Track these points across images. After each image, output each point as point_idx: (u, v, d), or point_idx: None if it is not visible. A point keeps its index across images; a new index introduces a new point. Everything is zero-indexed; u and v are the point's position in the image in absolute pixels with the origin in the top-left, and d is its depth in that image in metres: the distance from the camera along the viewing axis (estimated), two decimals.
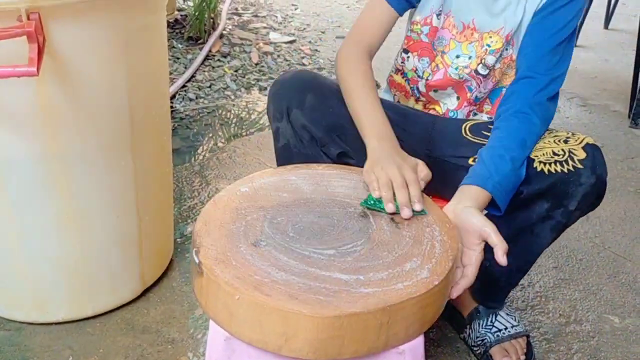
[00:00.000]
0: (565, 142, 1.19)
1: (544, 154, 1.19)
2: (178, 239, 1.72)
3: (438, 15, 1.33)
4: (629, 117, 2.69)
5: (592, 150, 1.17)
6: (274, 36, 3.36)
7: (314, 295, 0.89)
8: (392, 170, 1.09)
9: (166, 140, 1.51)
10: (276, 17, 3.70)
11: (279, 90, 1.28)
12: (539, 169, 1.19)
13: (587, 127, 2.60)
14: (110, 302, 1.46)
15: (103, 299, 1.44)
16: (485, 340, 1.38)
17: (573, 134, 1.22)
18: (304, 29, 3.58)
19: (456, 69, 1.35)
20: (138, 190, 1.39)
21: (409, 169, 1.11)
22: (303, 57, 3.15)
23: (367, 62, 1.28)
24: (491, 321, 1.40)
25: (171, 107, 2.43)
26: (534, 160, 1.20)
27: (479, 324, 1.40)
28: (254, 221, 1.05)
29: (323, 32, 3.56)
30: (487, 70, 1.34)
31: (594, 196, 1.19)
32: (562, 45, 1.27)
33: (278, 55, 3.13)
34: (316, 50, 3.28)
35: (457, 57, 1.35)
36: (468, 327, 1.43)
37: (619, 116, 2.75)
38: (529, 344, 1.41)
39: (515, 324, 1.40)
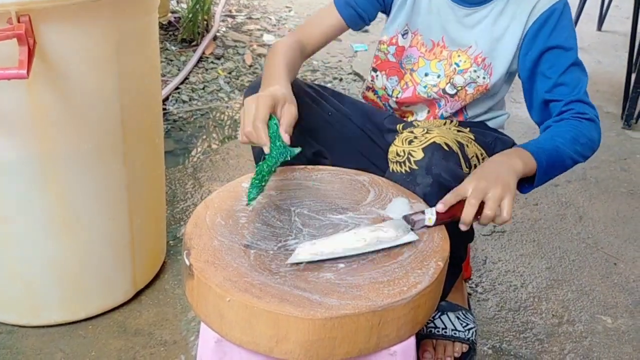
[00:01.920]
0: (410, 143, 1.18)
1: (391, 152, 1.21)
2: (171, 242, 1.71)
3: (404, 34, 1.33)
4: (622, 118, 2.70)
5: (432, 151, 1.15)
6: (267, 38, 3.36)
7: (304, 297, 0.89)
8: (256, 105, 1.05)
9: (158, 142, 1.51)
10: (270, 19, 3.70)
11: None
12: (389, 166, 1.22)
13: None
14: (103, 305, 1.45)
15: (95, 302, 1.44)
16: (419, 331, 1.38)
17: (427, 133, 1.18)
18: None
19: (425, 87, 1.36)
20: (130, 193, 1.38)
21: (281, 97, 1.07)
22: None
23: (296, 47, 1.27)
24: (433, 317, 1.39)
25: (164, 109, 2.43)
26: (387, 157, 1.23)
27: None
28: (245, 223, 1.05)
29: None
30: (455, 90, 1.34)
31: (438, 194, 1.14)
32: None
33: None
34: None
35: (426, 75, 1.35)
36: None
37: (612, 117, 2.76)
38: (468, 354, 1.39)
39: (460, 329, 1.39)
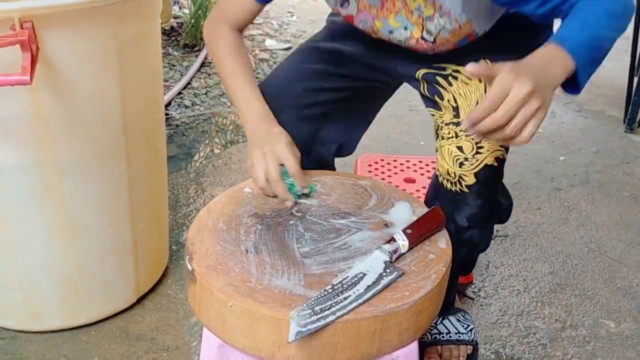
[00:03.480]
0: (461, 165, 1.15)
1: (441, 167, 1.18)
2: (173, 247, 1.71)
3: (342, 4, 1.18)
4: (624, 122, 2.69)
5: (485, 175, 1.14)
6: (270, 43, 3.37)
7: (307, 302, 0.89)
8: (265, 165, 1.10)
9: (161, 148, 1.51)
10: (272, 24, 3.71)
11: None
12: (439, 177, 1.20)
13: (583, 132, 2.61)
14: (105, 310, 1.46)
15: (97, 307, 1.44)
16: (423, 339, 1.37)
17: (477, 153, 1.13)
18: (300, 35, 3.59)
19: (399, 41, 1.18)
20: (132, 198, 1.38)
21: (285, 153, 1.11)
22: None
23: (238, 37, 1.25)
24: (435, 323, 1.38)
25: (167, 114, 2.43)
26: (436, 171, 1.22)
27: None
28: (247, 228, 1.05)
29: None
30: (432, 37, 1.14)
31: (482, 213, 1.17)
32: None
33: (274, 62, 3.13)
34: None
35: (391, 32, 1.17)
36: None
37: (614, 121, 2.75)
38: (473, 355, 1.39)
39: (463, 331, 1.39)
